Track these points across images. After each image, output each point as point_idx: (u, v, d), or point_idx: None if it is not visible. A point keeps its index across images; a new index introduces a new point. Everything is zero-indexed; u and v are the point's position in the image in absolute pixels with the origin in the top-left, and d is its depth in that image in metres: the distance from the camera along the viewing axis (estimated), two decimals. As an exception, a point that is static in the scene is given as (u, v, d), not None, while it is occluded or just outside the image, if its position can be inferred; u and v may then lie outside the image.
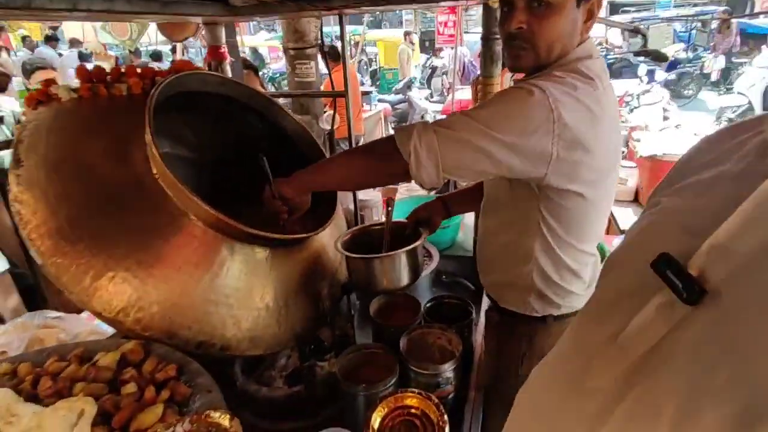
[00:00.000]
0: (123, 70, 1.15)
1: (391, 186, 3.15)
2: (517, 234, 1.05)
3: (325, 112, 2.35)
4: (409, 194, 2.19)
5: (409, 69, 9.28)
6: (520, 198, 1.01)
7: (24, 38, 8.93)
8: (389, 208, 1.31)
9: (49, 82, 1.06)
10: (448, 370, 1.10)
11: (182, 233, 0.96)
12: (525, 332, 1.15)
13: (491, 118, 0.87)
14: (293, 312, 1.13)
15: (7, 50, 6.21)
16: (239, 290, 1.01)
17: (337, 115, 2.20)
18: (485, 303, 1.47)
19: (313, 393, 1.15)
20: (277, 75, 9.73)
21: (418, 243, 1.19)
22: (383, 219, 1.33)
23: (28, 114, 1.01)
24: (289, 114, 1.36)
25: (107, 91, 1.07)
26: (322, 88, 2.20)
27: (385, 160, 0.95)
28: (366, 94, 6.39)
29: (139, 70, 1.16)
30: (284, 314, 1.10)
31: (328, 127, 2.25)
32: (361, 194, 1.88)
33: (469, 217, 1.93)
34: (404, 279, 1.21)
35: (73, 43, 8.29)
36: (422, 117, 6.94)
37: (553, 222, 0.99)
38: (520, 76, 1.02)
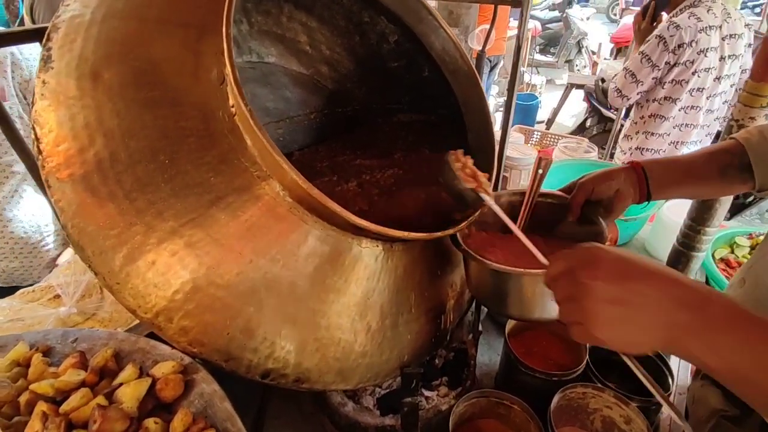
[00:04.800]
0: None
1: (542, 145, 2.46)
2: None
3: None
4: (570, 155, 1.62)
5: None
6: None
7: None
8: (540, 171, 0.82)
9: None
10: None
11: (259, 208, 0.61)
12: None
13: None
14: (403, 334, 0.77)
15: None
16: (330, 303, 0.67)
17: (493, 31, 1.63)
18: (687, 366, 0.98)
19: (410, 437, 0.82)
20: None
21: None
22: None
23: (80, -13, 0.68)
24: (445, 27, 0.89)
25: (186, -40, 0.70)
26: (479, -9, 1.63)
27: None
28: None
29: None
30: (390, 338, 0.75)
31: (479, 47, 1.71)
32: (510, 150, 1.39)
33: (670, 209, 1.30)
34: (556, 308, 0.74)
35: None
36: (579, 42, 5.73)
37: None
38: None
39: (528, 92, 4.59)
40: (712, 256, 1.28)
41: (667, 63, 1.88)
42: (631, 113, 2.17)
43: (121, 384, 0.56)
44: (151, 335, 0.64)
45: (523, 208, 0.83)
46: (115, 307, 0.88)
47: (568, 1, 6.65)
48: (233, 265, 0.60)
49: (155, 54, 0.64)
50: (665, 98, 1.96)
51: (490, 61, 3.77)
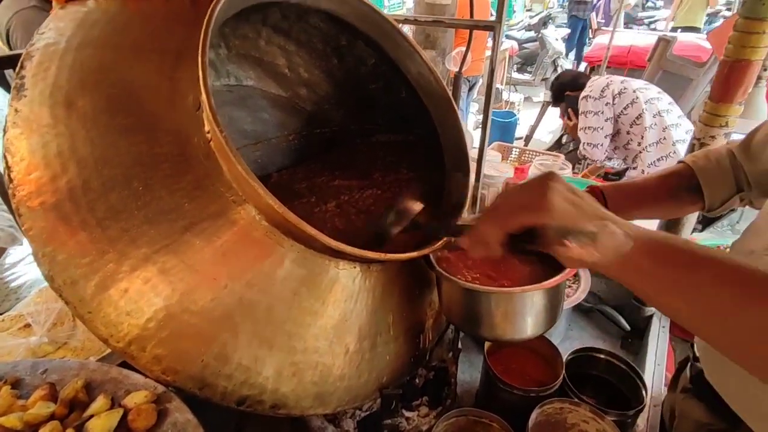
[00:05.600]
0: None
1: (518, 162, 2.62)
2: None
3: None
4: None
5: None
6: None
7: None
8: None
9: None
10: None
11: (234, 233, 0.61)
12: None
13: None
14: (382, 355, 0.77)
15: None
16: (307, 326, 0.67)
17: (469, 54, 1.67)
18: (660, 373, 1.00)
19: (391, 462, 0.82)
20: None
21: (563, 275, 0.69)
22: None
23: (54, 15, 0.69)
24: (419, 52, 0.92)
25: (162, -11, 0.71)
26: (455, 15, 1.69)
27: None
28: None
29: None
30: (369, 359, 0.75)
31: (456, 69, 1.76)
32: (487, 168, 1.42)
33: (642, 222, 1.34)
34: (529, 328, 0.74)
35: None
36: (554, 61, 5.91)
37: None
38: None
39: (507, 110, 4.71)
40: (684, 268, 1.32)
41: (607, 104, 2.24)
42: (629, 163, 2.44)
43: (91, 416, 0.55)
44: (124, 364, 0.63)
45: None
46: (87, 335, 0.86)
47: (543, 22, 6.88)
48: (207, 290, 0.60)
49: (131, 81, 0.65)
50: (637, 118, 2.20)
51: (469, 81, 3.87)
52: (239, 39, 1.01)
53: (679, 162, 0.85)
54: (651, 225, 1.22)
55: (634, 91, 2.21)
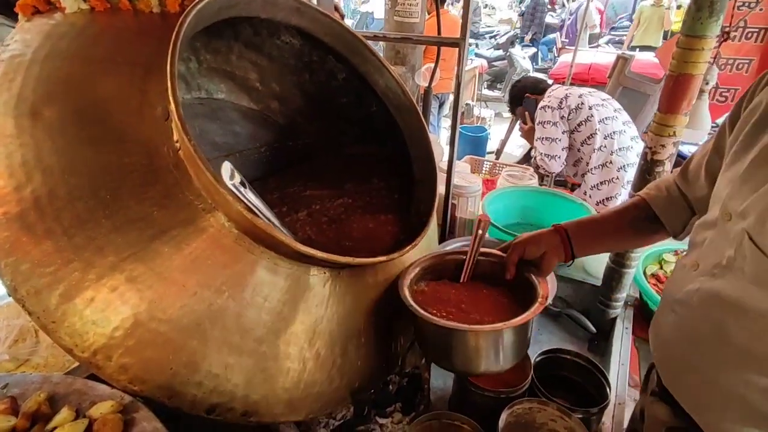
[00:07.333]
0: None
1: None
2: None
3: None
4: (515, 183, 1.72)
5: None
6: None
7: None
8: (480, 231, 0.86)
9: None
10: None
11: (204, 240, 0.62)
12: None
13: None
14: (353, 361, 0.78)
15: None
16: (278, 332, 0.67)
17: (438, 70, 1.73)
18: (625, 372, 1.04)
19: (365, 469, 0.82)
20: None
21: (531, 312, 0.74)
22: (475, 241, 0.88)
23: (20, 27, 0.69)
24: (387, 67, 0.95)
25: (131, 4, 0.73)
26: (423, 32, 1.74)
27: None
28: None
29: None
30: (340, 365, 0.75)
31: (425, 84, 1.82)
32: (457, 178, 1.46)
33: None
34: (501, 362, 0.78)
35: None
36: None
37: None
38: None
39: (478, 125, 4.83)
40: (644, 272, 1.39)
41: (562, 117, 2.24)
42: (579, 179, 2.42)
43: (55, 428, 0.54)
44: (91, 377, 0.62)
45: (466, 263, 0.88)
46: (51, 351, 0.83)
47: (511, 41, 7.14)
48: (176, 298, 0.60)
49: (100, 92, 0.65)
50: (588, 137, 2.21)
51: (439, 98, 3.96)
52: (211, 53, 1.02)
53: (636, 194, 0.89)
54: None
55: (590, 108, 2.21)
